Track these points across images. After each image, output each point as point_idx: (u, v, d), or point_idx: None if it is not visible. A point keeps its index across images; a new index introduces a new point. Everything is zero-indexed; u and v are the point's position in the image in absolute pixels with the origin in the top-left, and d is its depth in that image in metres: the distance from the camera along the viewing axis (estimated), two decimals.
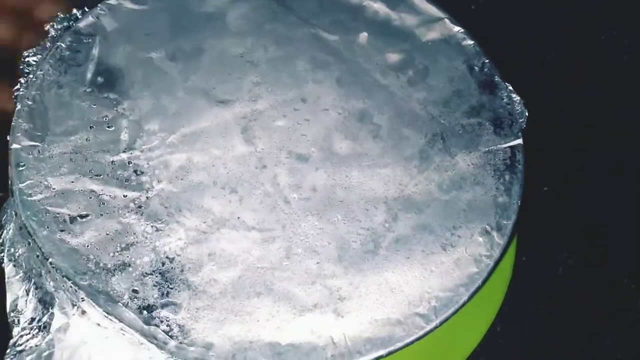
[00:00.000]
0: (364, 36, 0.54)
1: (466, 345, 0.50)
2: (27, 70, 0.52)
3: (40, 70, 0.51)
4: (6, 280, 0.46)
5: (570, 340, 0.55)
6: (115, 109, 0.50)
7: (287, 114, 0.51)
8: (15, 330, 0.45)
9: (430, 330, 0.44)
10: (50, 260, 0.44)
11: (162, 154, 0.49)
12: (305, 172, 0.49)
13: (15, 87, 0.51)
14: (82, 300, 0.44)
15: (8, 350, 0.44)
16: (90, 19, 0.54)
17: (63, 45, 0.52)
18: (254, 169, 0.49)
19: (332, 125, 0.51)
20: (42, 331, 0.44)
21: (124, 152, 0.49)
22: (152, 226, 0.47)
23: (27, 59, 0.52)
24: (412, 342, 0.44)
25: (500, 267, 0.47)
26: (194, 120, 0.50)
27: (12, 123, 0.50)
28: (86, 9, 0.54)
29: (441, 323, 0.45)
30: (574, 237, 0.57)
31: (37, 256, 0.45)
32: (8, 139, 0.49)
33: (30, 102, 0.50)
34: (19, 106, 0.50)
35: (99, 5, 0.54)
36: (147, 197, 0.48)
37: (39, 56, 0.52)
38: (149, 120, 0.50)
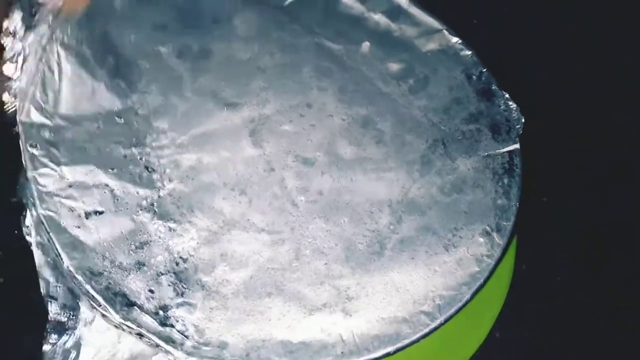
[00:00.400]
0: (366, 45, 0.55)
1: (466, 348, 0.52)
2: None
3: (67, 23, 0.52)
4: (37, 265, 0.48)
5: (571, 344, 0.56)
6: (125, 99, 0.51)
7: (293, 119, 0.52)
8: (50, 315, 0.47)
9: (436, 328, 0.46)
10: (66, 265, 0.46)
11: (172, 153, 0.50)
12: (311, 176, 0.51)
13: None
14: (100, 306, 0.45)
15: (45, 333, 0.47)
16: None
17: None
18: (263, 172, 0.51)
19: (336, 130, 0.52)
20: (71, 320, 0.46)
21: (135, 147, 0.50)
22: (165, 225, 0.48)
23: None
24: (418, 340, 0.46)
25: (500, 269, 0.49)
26: (204, 122, 0.52)
27: (21, 85, 0.50)
28: None
29: (445, 320, 0.47)
30: (574, 239, 0.58)
31: (56, 255, 0.46)
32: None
33: (47, 68, 0.51)
34: (31, 61, 0.51)
35: None
36: (159, 196, 0.49)
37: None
38: (157, 117, 0.51)
